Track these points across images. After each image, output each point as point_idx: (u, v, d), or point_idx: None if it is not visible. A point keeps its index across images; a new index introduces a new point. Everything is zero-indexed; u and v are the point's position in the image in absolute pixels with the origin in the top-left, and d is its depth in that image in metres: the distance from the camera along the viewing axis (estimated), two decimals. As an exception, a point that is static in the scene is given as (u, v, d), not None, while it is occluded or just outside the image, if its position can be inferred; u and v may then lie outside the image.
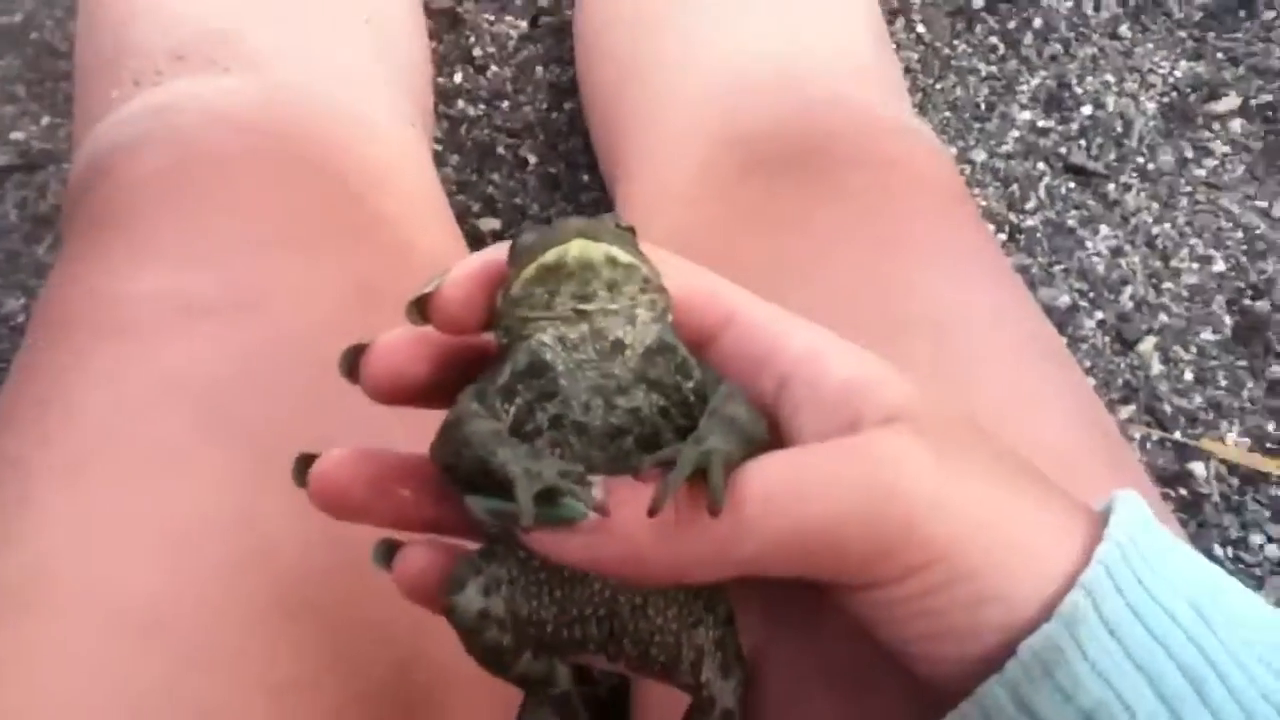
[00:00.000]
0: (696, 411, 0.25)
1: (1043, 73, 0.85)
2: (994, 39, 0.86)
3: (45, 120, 0.77)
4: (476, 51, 0.83)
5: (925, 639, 0.25)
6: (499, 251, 0.27)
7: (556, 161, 0.79)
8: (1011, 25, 0.87)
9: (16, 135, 0.76)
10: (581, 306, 0.25)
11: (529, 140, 0.80)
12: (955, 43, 0.87)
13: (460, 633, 0.26)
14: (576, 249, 0.25)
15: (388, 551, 0.28)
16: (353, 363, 0.27)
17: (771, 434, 0.26)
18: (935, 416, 0.25)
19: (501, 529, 0.26)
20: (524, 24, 0.85)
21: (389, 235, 0.48)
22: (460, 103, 0.81)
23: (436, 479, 0.27)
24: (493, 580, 0.26)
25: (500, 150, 0.79)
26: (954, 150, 0.81)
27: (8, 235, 0.72)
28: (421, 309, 0.27)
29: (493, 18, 0.85)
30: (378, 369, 0.27)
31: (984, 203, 0.78)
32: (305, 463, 0.28)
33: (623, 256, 0.25)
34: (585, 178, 0.78)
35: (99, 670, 0.31)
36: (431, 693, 0.37)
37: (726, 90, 0.54)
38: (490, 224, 0.75)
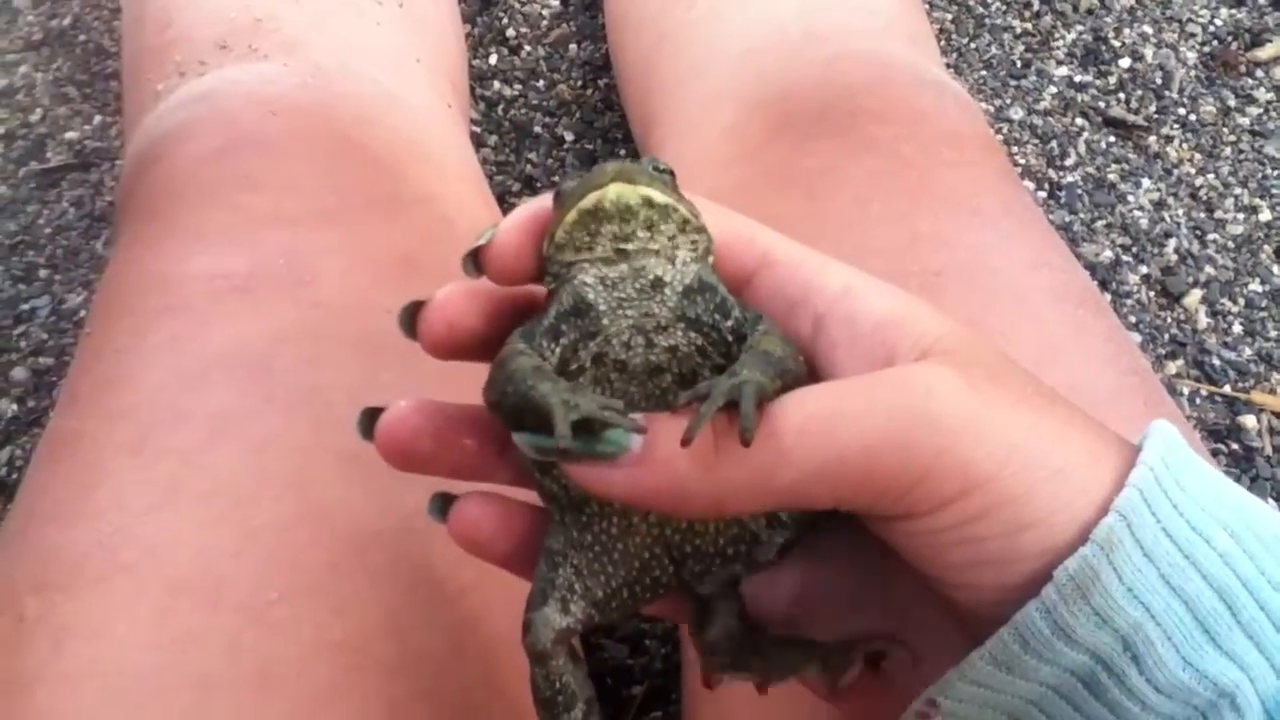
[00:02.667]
0: (734, 350, 0.26)
1: (1079, 27, 0.84)
2: (1028, -4, 0.86)
3: (97, 120, 0.79)
4: (510, 32, 0.84)
5: (964, 568, 0.25)
6: (544, 201, 0.27)
7: (594, 138, 0.80)
8: (1046, -19, 0.86)
9: (70, 135, 0.78)
10: (622, 246, 0.26)
11: (565, 118, 0.80)
12: (989, 1, 0.86)
13: (531, 662, 0.27)
14: (614, 192, 0.26)
15: (443, 504, 0.29)
16: (411, 318, 0.28)
17: (809, 372, 0.26)
18: (970, 350, 0.26)
19: (547, 479, 0.27)
20: (556, 2, 0.86)
21: (428, 211, 0.49)
22: (496, 84, 0.82)
23: (496, 430, 0.28)
24: (566, 590, 0.27)
25: (538, 129, 0.80)
26: (991, 109, 0.80)
27: (66, 232, 0.74)
28: (476, 262, 0.27)
29: (525, -1, 0.86)
30: (435, 323, 0.27)
31: (1023, 160, 0.78)
32: (371, 416, 0.29)
33: (659, 198, 0.26)
34: (622, 152, 0.79)
35: (166, 636, 0.33)
36: (485, 655, 0.38)
37: (755, 52, 0.55)
38: (530, 202, 0.76)
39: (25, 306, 0.70)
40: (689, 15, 0.60)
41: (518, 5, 0.85)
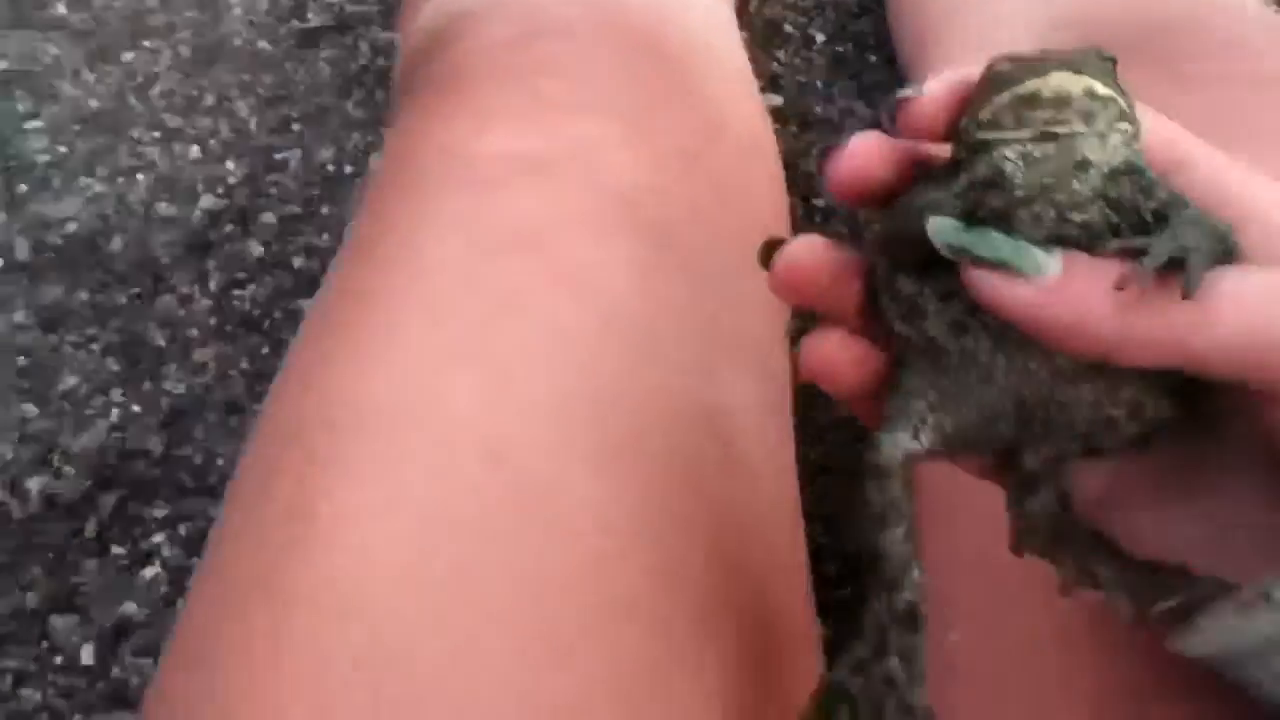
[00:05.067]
0: (1152, 231, 0.25)
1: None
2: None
3: (355, -14, 0.81)
4: (769, -73, 0.82)
5: None
6: (970, 70, 0.28)
7: (844, 41, 0.77)
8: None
9: None
10: (1052, 130, 0.26)
11: (818, 19, 0.78)
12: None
13: (868, 476, 0.28)
14: (1055, 80, 0.25)
15: (800, 329, 0.30)
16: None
17: None
18: None
19: (909, 327, 0.28)
20: (819, -99, 0.83)
21: (708, 111, 0.50)
22: (750, -21, 0.80)
23: (867, 282, 0.29)
24: (919, 420, 0.28)
25: (788, 28, 0.77)
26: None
27: (320, 91, 0.76)
28: (896, 114, 0.28)
29: (787, -105, 0.83)
30: (849, 166, 0.28)
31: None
32: (772, 246, 0.30)
33: (1101, 89, 0.25)
34: (872, 58, 0.76)
35: (453, 487, 0.33)
36: (750, 555, 0.38)
37: None
38: (773, 100, 0.73)
39: (278, 156, 0.73)
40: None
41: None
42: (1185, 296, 0.23)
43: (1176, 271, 0.24)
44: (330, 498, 0.32)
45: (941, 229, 0.26)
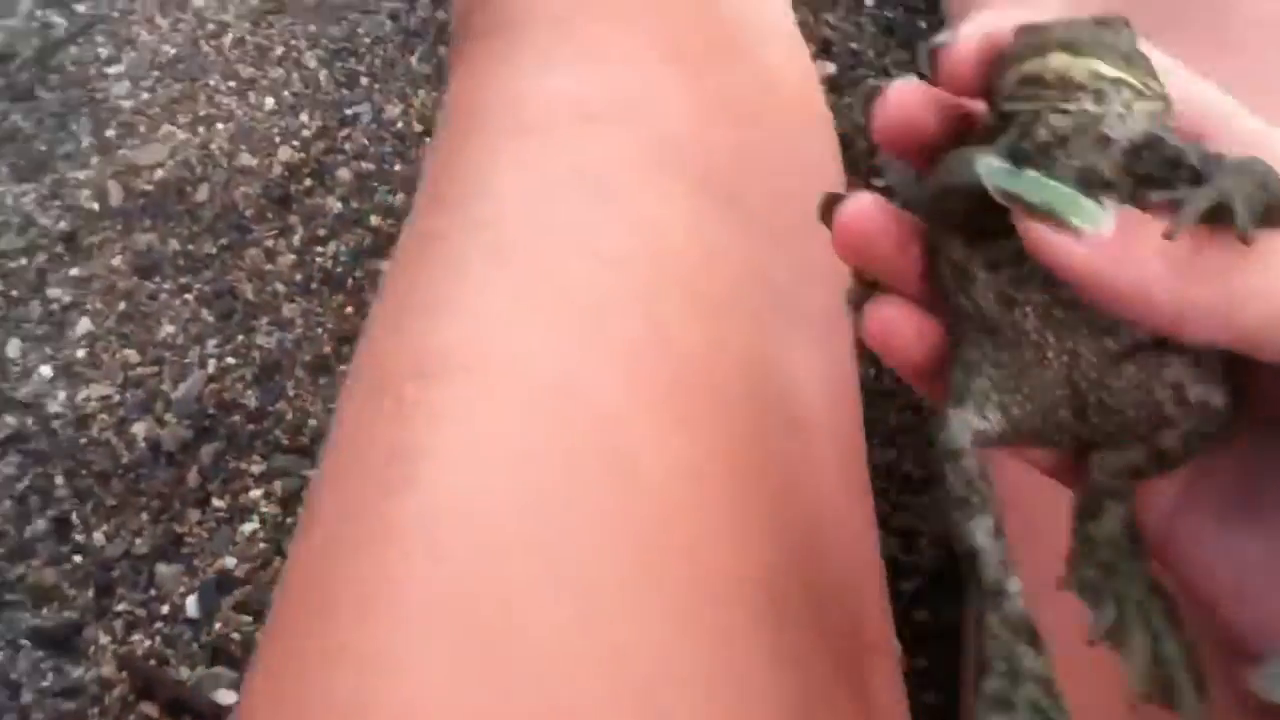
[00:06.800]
0: None
1: None
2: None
3: (417, -65, 0.83)
4: (823, -113, 0.83)
5: None
6: (998, 27, 0.27)
7: (894, 6, 0.79)
8: None
9: (392, -52, 0.83)
10: (1064, 107, 0.25)
11: (867, -20, 0.80)
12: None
13: (943, 459, 0.28)
14: (1055, 62, 0.25)
15: (859, 299, 0.30)
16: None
17: None
18: None
19: (965, 297, 0.28)
20: None
21: (758, 61, 0.50)
22: (803, -60, 0.81)
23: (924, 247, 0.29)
24: (982, 397, 0.28)
25: (838, -10, 0.80)
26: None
27: (383, 44, 0.79)
28: (930, 64, 0.28)
29: None
30: (892, 113, 0.28)
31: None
32: (833, 201, 0.30)
33: (1107, 70, 0.25)
34: (922, 23, 0.78)
35: (530, 424, 0.35)
36: (816, 504, 0.39)
37: None
38: (826, 68, 0.76)
39: (349, 111, 0.76)
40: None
41: None
42: (1242, 239, 0.22)
43: (1225, 226, 0.23)
44: (423, 442, 0.34)
45: (994, 171, 0.25)
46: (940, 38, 0.28)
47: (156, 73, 0.79)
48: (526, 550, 0.32)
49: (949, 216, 0.27)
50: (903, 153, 0.29)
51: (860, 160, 0.70)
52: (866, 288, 0.31)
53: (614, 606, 0.32)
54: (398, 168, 0.73)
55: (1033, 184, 0.25)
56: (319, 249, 0.70)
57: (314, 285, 0.68)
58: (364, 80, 0.78)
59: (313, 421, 0.63)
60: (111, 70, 0.79)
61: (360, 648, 0.30)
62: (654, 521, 0.34)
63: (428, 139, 0.74)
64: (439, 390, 0.35)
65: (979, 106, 0.28)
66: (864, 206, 0.29)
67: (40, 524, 0.61)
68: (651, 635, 0.32)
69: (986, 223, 0.26)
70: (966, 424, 0.27)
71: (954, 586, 0.52)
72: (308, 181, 0.73)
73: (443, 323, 0.37)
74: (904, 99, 0.28)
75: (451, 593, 0.30)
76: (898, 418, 0.60)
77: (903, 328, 0.29)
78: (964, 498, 0.27)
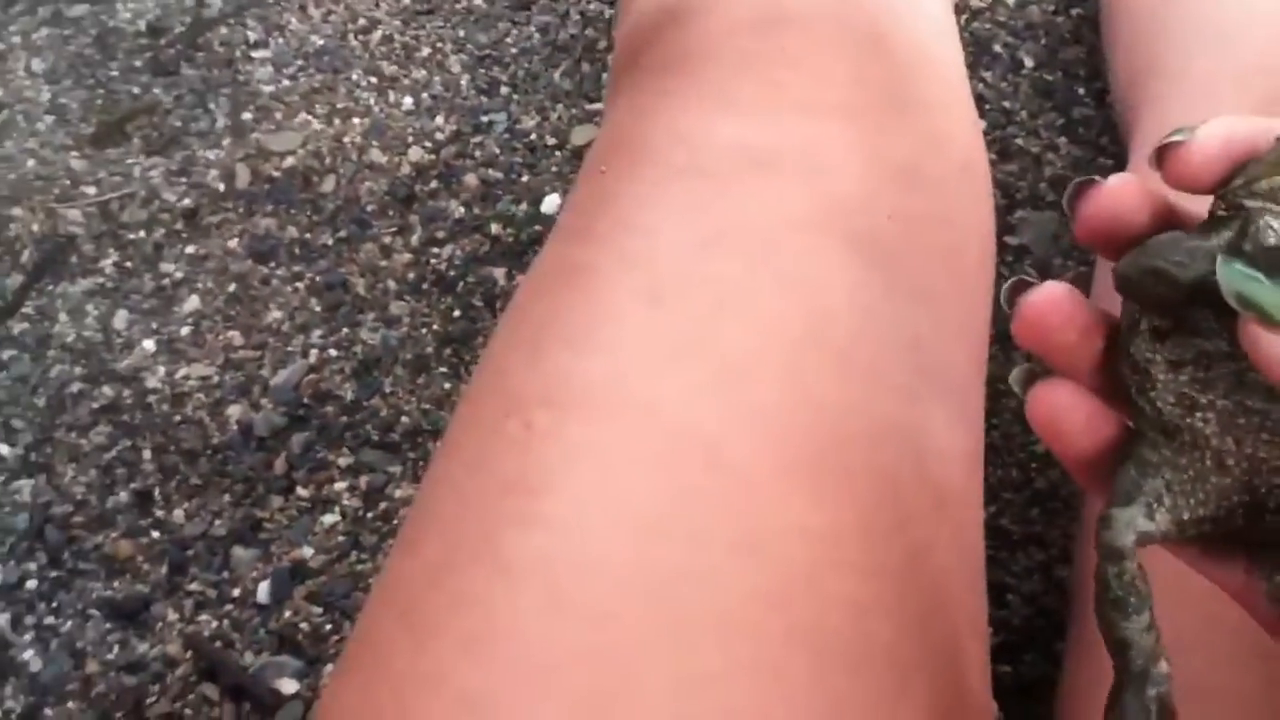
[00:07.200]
0: None
1: None
2: None
3: (573, -48, 0.82)
4: (994, -59, 0.81)
5: None
6: (1248, 122, 0.27)
7: (1054, 69, 0.76)
8: None
9: (547, -37, 0.82)
10: None
11: (1029, 42, 0.77)
12: None
13: (1104, 559, 0.27)
14: None
15: (1029, 378, 0.30)
16: (1075, 198, 0.29)
17: None
18: None
19: (1144, 400, 0.27)
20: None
21: (933, 121, 0.48)
22: (967, -8, 0.79)
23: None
24: (1154, 498, 0.27)
25: (997, 48, 0.77)
26: None
27: (529, 56, 0.79)
28: (1160, 158, 0.28)
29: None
30: (1107, 205, 0.28)
31: None
32: (1019, 288, 0.29)
33: None
34: (1080, 90, 0.75)
35: (661, 478, 0.34)
36: (937, 582, 0.38)
37: None
38: (975, 123, 0.73)
39: (485, 118, 0.75)
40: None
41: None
42: None
43: None
44: (551, 478, 0.33)
45: (1234, 274, 0.24)
46: (1178, 135, 0.28)
47: (300, 61, 0.79)
48: (647, 611, 0.31)
49: (1143, 301, 0.27)
50: (1104, 243, 0.28)
51: (997, 215, 0.66)
52: (1036, 365, 0.30)
53: (732, 676, 0.31)
54: (525, 179, 0.72)
55: (1272, 293, 0.24)
56: (435, 250, 0.69)
57: (425, 286, 0.67)
58: (504, 89, 0.77)
59: (405, 419, 0.62)
60: (257, 54, 0.80)
61: (463, 683, 0.30)
62: (777, 594, 0.33)
63: (559, 153, 0.73)
64: (573, 425, 0.35)
65: (1188, 204, 0.28)
66: (1056, 296, 0.29)
67: (123, 496, 0.60)
68: (771, 709, 0.31)
69: (1180, 313, 0.26)
70: (1133, 525, 0.27)
71: (1040, 643, 0.52)
72: (434, 183, 0.72)
73: (584, 356, 0.36)
74: (1121, 193, 0.28)
75: (575, 646, 0.30)
76: (1003, 473, 0.58)
77: (1073, 415, 0.29)
78: (1122, 598, 0.27)
